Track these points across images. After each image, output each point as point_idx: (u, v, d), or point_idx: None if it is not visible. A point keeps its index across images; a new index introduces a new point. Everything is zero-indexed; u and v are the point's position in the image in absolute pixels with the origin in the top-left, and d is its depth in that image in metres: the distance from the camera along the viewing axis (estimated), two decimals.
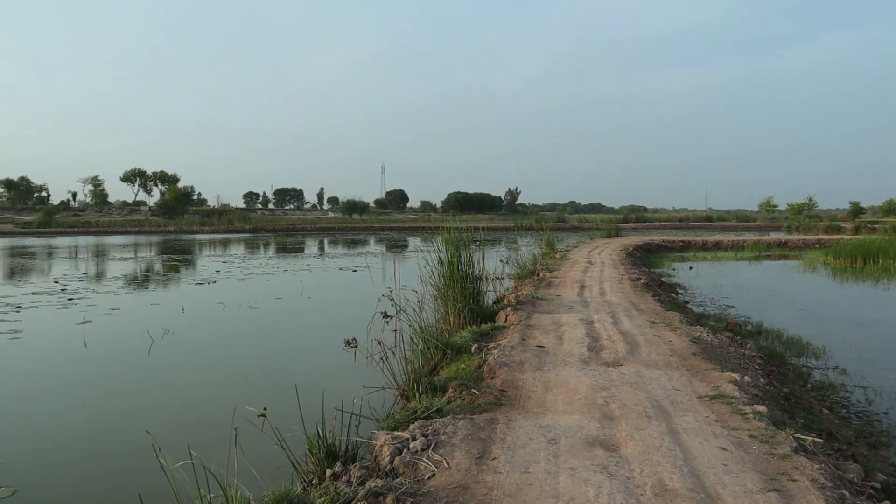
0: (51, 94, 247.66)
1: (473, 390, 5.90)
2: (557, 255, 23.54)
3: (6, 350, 10.89)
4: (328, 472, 4.47)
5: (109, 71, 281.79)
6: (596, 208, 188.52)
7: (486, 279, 11.47)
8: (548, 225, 49.58)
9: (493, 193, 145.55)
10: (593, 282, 14.86)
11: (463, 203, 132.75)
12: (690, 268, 24.43)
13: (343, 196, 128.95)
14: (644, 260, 26.27)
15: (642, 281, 15.00)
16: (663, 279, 18.98)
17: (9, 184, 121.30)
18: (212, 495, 3.94)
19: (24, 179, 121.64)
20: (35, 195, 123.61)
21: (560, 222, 78.11)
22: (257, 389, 8.49)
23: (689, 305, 13.95)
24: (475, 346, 7.82)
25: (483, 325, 9.23)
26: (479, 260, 10.47)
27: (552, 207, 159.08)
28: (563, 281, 15.10)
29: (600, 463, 4.17)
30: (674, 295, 15.55)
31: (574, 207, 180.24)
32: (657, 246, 34.45)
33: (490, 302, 11.60)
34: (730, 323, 11.21)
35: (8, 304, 15.86)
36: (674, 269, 23.63)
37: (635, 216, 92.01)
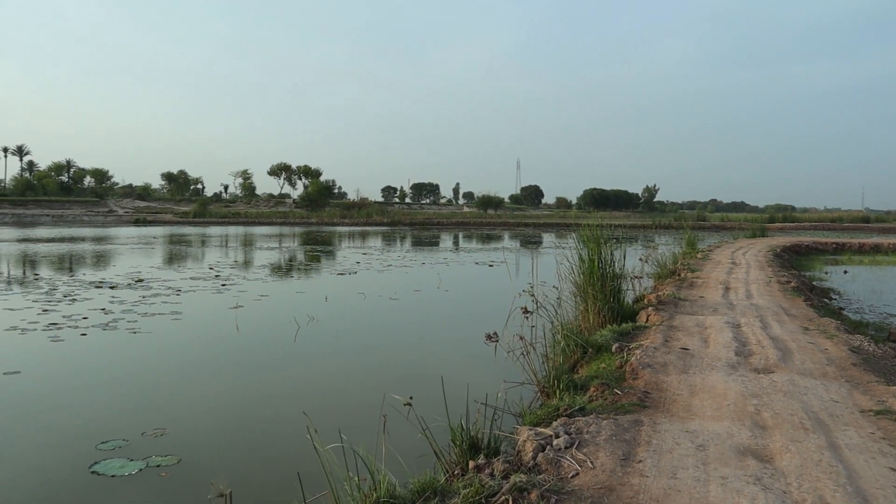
0: (208, 97, 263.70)
1: (616, 390, 5.80)
2: (699, 255, 22.71)
3: (169, 329, 11.71)
4: (471, 464, 4.52)
5: (255, 72, 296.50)
6: (739, 207, 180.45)
7: (626, 277, 11.22)
8: (687, 223, 47.88)
9: (630, 190, 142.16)
10: (739, 283, 14.23)
11: (599, 200, 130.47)
12: (845, 272, 22.90)
13: (478, 191, 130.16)
14: (793, 262, 24.87)
15: (792, 284, 14.22)
16: (814, 283, 17.90)
17: (169, 177, 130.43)
18: (360, 479, 4.08)
19: (182, 173, 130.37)
20: (191, 187, 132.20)
21: (700, 221, 75.26)
22: (399, 378, 8.72)
23: (844, 312, 13.10)
24: (616, 345, 7.68)
25: (623, 325, 9.05)
26: (618, 258, 10.27)
27: (692, 205, 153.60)
28: (705, 282, 14.56)
29: (753, 474, 3.99)
30: (827, 300, 14.65)
31: (715, 206, 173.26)
32: (807, 248, 32.54)
33: (630, 301, 11.35)
34: (893, 333, 10.43)
35: (169, 288, 17.06)
36: (826, 273, 22.23)
37: (782, 216, 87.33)
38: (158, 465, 5.71)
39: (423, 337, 11.85)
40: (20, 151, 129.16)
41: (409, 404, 4.76)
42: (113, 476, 5.50)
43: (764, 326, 8.94)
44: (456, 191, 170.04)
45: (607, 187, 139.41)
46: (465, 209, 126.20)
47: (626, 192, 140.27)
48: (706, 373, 6.42)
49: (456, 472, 4.66)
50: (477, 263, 26.30)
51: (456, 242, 44.22)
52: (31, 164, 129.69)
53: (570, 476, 4.05)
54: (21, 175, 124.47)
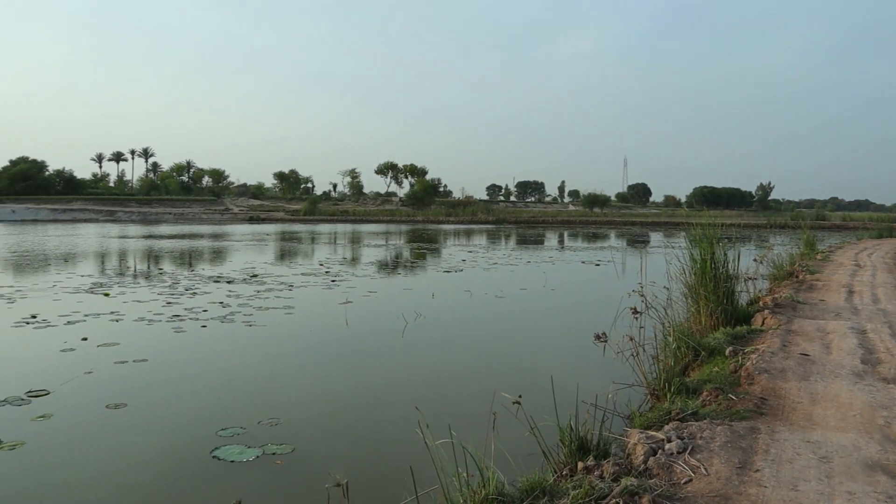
0: (317, 96, 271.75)
1: (730, 395, 5.61)
2: (818, 257, 21.62)
3: (282, 323, 12.14)
4: (580, 465, 4.48)
5: (361, 72, 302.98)
6: (862, 205, 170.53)
7: (739, 279, 10.82)
8: (805, 223, 45.68)
9: (743, 188, 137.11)
10: (863, 287, 13.47)
11: (709, 198, 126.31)
12: None
13: (584, 189, 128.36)
14: None
15: None
16: None
17: (281, 176, 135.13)
18: (469, 475, 4.11)
19: (293, 172, 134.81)
20: (302, 186, 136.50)
21: (819, 220, 71.60)
22: (506, 375, 8.73)
23: None
24: (729, 348, 7.42)
25: (737, 328, 8.73)
26: (731, 258, 9.91)
27: (810, 204, 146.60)
28: (826, 284, 13.85)
29: (884, 491, 3.77)
30: None
31: (836, 204, 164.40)
32: None
33: (744, 303, 10.94)
34: None
35: (282, 283, 17.68)
36: None
37: None
38: (274, 453, 5.94)
39: (529, 335, 11.81)
40: (146, 154, 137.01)
41: (518, 403, 4.76)
42: (232, 462, 5.76)
43: (893, 333, 8.43)
44: (561, 189, 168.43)
45: (718, 185, 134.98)
46: (571, 207, 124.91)
47: (738, 191, 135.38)
48: (829, 380, 6.11)
49: (564, 472, 4.63)
50: (583, 262, 25.98)
51: (561, 241, 43.82)
52: (155, 165, 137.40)
53: (682, 482, 3.95)
54: (146, 176, 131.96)
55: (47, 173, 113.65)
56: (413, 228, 63.25)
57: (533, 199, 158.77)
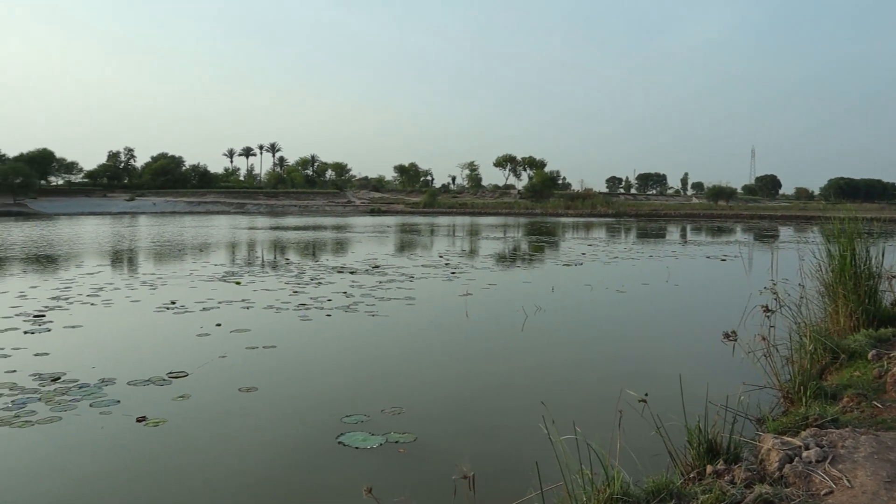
0: (436, 92, 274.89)
1: (875, 402, 5.26)
2: None
3: (403, 314, 12.36)
4: (709, 468, 4.32)
5: (483, 67, 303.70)
6: None
7: (884, 277, 10.13)
8: None
9: (885, 179, 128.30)
10: None
11: (846, 190, 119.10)
12: None
13: (708, 181, 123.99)
14: None
15: None
16: None
17: (401, 169, 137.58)
18: (593, 473, 4.04)
19: (412, 165, 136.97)
20: (421, 179, 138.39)
21: None
22: (629, 372, 8.54)
23: None
24: (873, 352, 6.95)
25: (881, 330, 8.16)
26: (874, 255, 9.29)
27: None
28: None
29: None
30: None
31: None
32: None
33: (888, 303, 10.23)
34: None
35: (403, 274, 18.01)
36: None
37: None
38: (397, 442, 6.05)
39: (653, 332, 11.51)
40: (273, 148, 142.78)
41: (644, 401, 4.63)
42: (357, 448, 5.91)
43: None
44: (684, 181, 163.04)
45: (857, 176, 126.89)
46: (694, 200, 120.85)
47: (879, 182, 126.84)
48: None
49: (692, 475, 4.48)
50: (708, 257, 25.08)
51: (684, 235, 42.47)
52: (281, 159, 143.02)
53: (822, 493, 3.74)
54: (273, 170, 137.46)
55: (184, 168, 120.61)
56: (531, 221, 62.96)
57: (654, 191, 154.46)
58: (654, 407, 4.89)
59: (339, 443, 6.03)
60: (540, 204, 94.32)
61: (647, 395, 4.74)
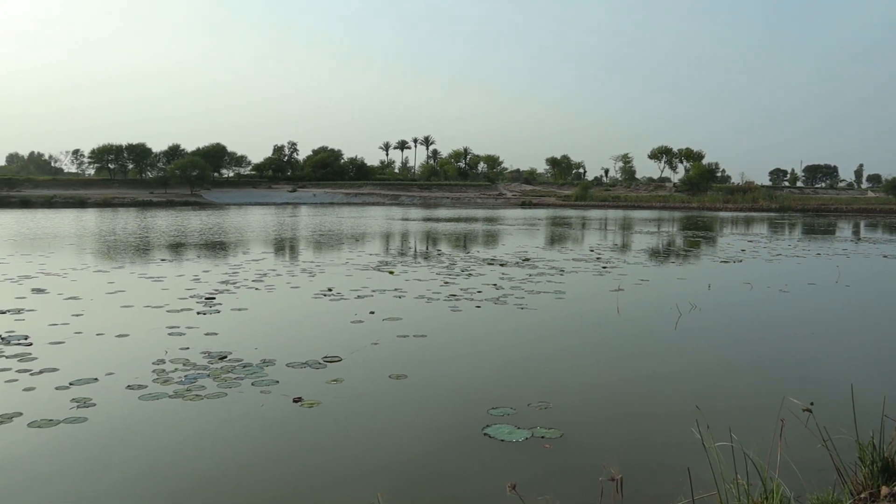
0: (592, 83, 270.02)
1: None
2: None
3: (553, 307, 12.25)
4: (884, 489, 3.97)
5: (642, 59, 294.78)
6: None
7: None
8: None
9: None
10: None
11: None
12: None
13: (887, 173, 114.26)
14: None
15: None
16: None
17: (553, 161, 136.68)
18: (749, 484, 3.82)
19: (565, 157, 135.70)
20: (573, 171, 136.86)
21: None
22: (792, 379, 7.98)
23: None
24: None
25: None
26: None
27: None
28: None
29: None
30: None
31: None
32: None
33: None
34: None
35: (553, 268, 17.86)
36: None
37: None
38: (542, 437, 5.99)
39: (820, 335, 10.74)
40: (427, 141, 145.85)
41: (809, 411, 4.33)
42: (502, 441, 5.91)
43: None
44: (858, 173, 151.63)
45: None
46: (870, 194, 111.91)
47: None
48: None
49: (863, 495, 4.13)
50: (885, 256, 23.15)
51: (857, 231, 39.42)
52: (435, 152, 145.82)
53: None
54: (427, 162, 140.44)
55: (342, 161, 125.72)
56: (687, 215, 60.66)
57: (823, 184, 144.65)
58: (819, 417, 4.57)
59: (485, 434, 6.05)
60: (696, 197, 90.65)
61: (812, 404, 4.43)
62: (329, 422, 6.43)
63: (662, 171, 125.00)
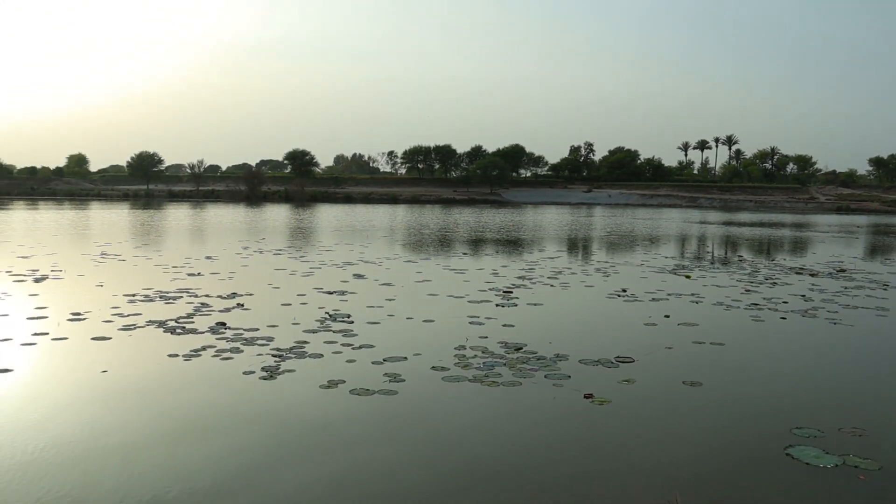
0: None
1: None
2: None
3: (872, 325, 11.00)
4: None
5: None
6: None
7: None
8: None
9: None
10: None
11: None
12: None
13: None
14: None
15: None
16: None
17: (878, 162, 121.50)
18: None
19: (892, 157, 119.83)
20: None
21: None
22: None
23: None
24: None
25: None
26: None
27: None
28: None
29: None
30: None
31: None
32: None
33: None
34: None
35: (874, 282, 15.99)
36: None
37: None
38: (856, 466, 5.44)
39: None
40: (729, 141, 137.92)
41: None
42: (807, 464, 5.48)
43: None
44: None
45: None
46: None
47: None
48: None
49: None
50: None
51: None
52: (738, 152, 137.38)
53: None
54: (729, 163, 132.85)
55: (639, 162, 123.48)
56: None
57: None
58: None
59: (787, 454, 5.65)
60: None
61: None
62: (619, 421, 6.44)
63: None
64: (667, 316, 11.17)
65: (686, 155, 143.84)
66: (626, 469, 5.44)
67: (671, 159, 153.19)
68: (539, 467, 5.42)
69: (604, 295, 13.36)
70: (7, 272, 15.23)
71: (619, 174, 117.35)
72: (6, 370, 7.57)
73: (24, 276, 14.64)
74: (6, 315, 10.48)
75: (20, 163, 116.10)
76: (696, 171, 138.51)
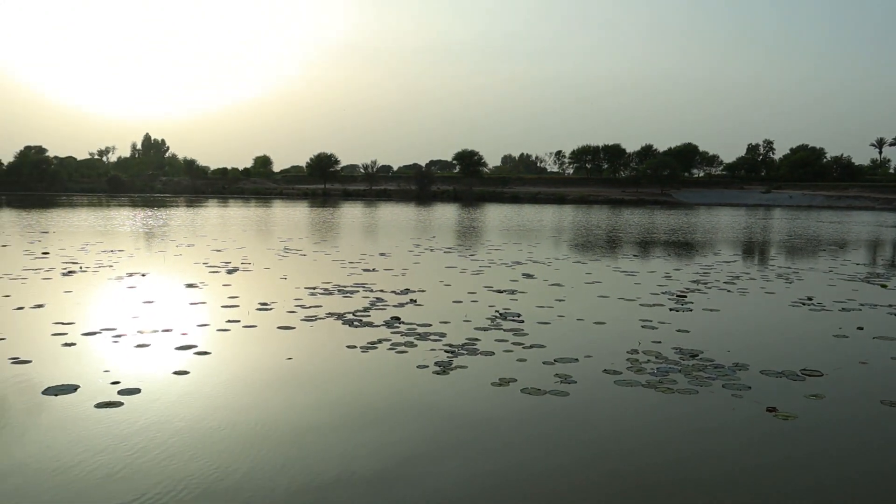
0: None
1: None
2: None
3: None
4: None
5: None
6: None
7: None
8: None
9: None
10: None
11: None
12: None
13: None
14: None
15: None
16: None
17: None
18: None
19: None
20: None
21: None
22: None
23: None
24: None
25: None
26: None
27: None
28: None
29: None
30: None
31: None
32: None
33: None
34: None
35: None
36: None
37: None
38: None
39: None
40: None
41: None
42: None
43: None
44: None
45: None
46: None
47: None
48: None
49: None
50: None
51: None
52: None
53: None
54: None
55: (824, 160, 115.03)
56: None
57: None
58: None
59: None
60: None
61: None
62: (807, 438, 6.04)
63: None
64: (860, 328, 10.33)
65: (881, 153, 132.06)
66: (815, 488, 5.11)
67: (863, 157, 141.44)
68: (713, 481, 5.19)
69: (787, 303, 12.56)
70: (204, 263, 16.69)
71: (802, 174, 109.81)
72: (206, 353, 8.28)
73: (219, 267, 15.94)
74: (204, 303, 11.47)
75: (212, 163, 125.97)
76: (892, 171, 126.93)
